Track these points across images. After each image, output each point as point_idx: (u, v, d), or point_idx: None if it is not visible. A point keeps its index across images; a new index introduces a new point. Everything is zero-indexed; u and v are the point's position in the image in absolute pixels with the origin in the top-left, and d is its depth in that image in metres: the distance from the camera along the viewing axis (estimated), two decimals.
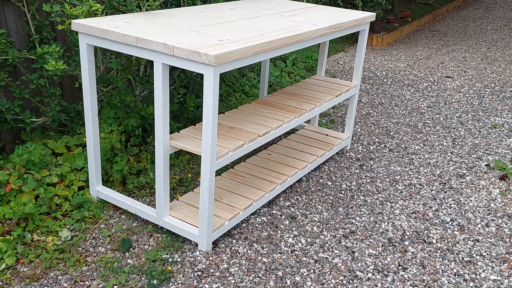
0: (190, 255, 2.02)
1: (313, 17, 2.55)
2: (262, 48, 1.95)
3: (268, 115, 2.40)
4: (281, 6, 2.83)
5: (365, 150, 3.11)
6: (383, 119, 3.65)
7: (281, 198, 2.49)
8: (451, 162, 2.98)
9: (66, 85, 2.70)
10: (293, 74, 4.61)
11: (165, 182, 2.06)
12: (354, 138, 3.30)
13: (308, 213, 2.37)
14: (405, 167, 2.89)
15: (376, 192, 2.59)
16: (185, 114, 2.97)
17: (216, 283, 1.87)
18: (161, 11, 2.38)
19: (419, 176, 2.78)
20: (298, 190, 2.58)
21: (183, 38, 1.89)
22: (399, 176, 2.78)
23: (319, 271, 1.96)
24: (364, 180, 2.72)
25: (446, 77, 4.80)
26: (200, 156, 2.86)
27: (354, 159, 2.97)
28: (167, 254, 2.03)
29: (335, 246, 2.13)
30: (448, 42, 6.34)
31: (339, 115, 3.71)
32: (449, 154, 3.09)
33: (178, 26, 2.08)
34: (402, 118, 3.69)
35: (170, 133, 2.79)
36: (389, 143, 3.23)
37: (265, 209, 2.39)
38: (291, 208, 2.41)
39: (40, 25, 2.53)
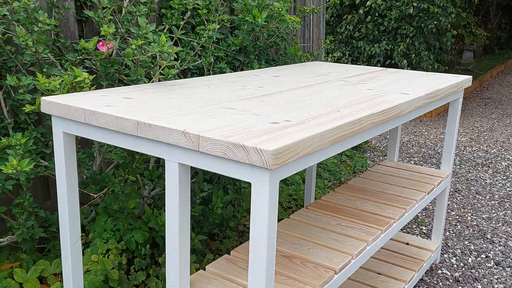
0: None
1: (392, 82, 1.80)
2: (345, 131, 1.17)
3: (339, 229, 1.59)
4: (338, 71, 2.10)
5: (461, 264, 2.23)
6: (469, 214, 2.79)
7: None
8: None
9: (43, 183, 1.95)
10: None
11: None
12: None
13: None
14: None
15: None
16: (211, 219, 2.17)
17: None
18: (179, 81, 1.65)
19: None
20: None
21: (213, 121, 1.13)
22: None
23: None
24: None
25: None
26: None
27: (451, 281, 2.09)
28: None
29: None
30: (507, 110, 5.55)
31: None
32: None
33: (203, 102, 1.34)
34: (494, 211, 2.82)
35: (190, 264, 1.99)
36: (491, 252, 2.34)
37: None
38: None
39: (17, 105, 1.83)
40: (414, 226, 2.64)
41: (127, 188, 1.71)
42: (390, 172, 2.15)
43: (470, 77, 2.05)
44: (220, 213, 2.16)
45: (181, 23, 1.97)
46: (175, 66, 1.59)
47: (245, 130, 1.07)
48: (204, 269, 1.35)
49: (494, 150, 4.02)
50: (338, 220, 1.66)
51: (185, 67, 2.09)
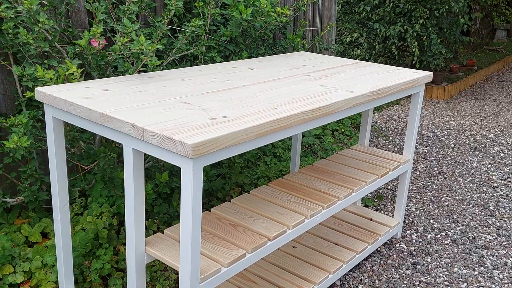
0: None
1: (350, 78, 2.03)
2: (268, 128, 1.44)
3: (288, 204, 1.86)
4: (313, 64, 2.33)
5: (420, 240, 2.47)
6: (444, 195, 3.00)
7: None
8: None
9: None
10: (337, 132, 4.06)
11: None
12: (406, 221, 2.67)
13: None
14: (474, 270, 2.22)
15: None
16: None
17: None
18: (160, 73, 1.94)
19: (493, 287, 2.10)
20: None
21: (163, 115, 1.41)
22: (465, 283, 2.12)
23: None
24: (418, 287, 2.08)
25: None
26: None
27: (405, 254, 2.34)
28: None
29: None
30: None
31: (389, 187, 3.10)
32: None
33: (169, 95, 1.62)
34: (469, 194, 3.02)
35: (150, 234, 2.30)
36: (452, 230, 2.57)
37: None
38: None
39: (32, 86, 2.16)
40: (389, 204, 2.88)
41: (112, 162, 2.03)
42: (356, 156, 2.39)
43: (430, 73, 2.24)
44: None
45: (171, 16, 2.23)
46: (153, 60, 1.87)
47: (184, 124, 1.34)
48: (163, 233, 1.66)
49: (492, 135, 4.14)
50: (290, 196, 1.93)
51: (179, 55, 2.37)
